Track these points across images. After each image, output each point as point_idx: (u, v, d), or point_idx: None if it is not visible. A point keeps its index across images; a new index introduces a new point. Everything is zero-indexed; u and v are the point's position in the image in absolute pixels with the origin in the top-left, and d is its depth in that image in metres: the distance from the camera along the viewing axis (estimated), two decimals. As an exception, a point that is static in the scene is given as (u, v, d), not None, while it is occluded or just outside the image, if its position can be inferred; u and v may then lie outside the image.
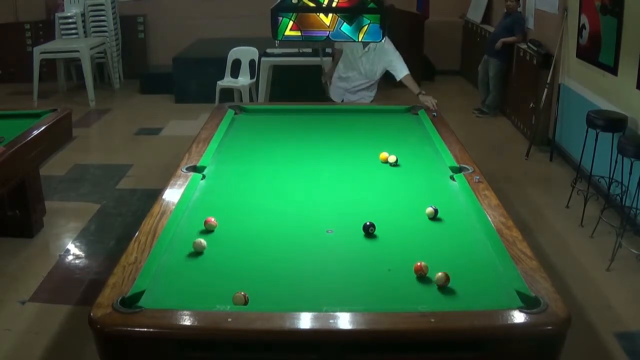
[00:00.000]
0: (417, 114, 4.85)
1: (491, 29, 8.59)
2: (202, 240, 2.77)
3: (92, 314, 2.20)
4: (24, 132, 4.31)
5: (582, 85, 5.74)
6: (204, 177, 3.59)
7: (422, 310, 2.25)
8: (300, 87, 7.79)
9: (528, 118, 6.84)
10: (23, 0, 9.66)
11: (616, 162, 4.52)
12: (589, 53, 5.56)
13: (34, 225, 4.67)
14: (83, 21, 9.19)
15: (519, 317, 2.20)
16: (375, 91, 5.60)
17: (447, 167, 3.69)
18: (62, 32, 9.12)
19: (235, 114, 4.88)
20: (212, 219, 2.93)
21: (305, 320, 2.20)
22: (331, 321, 2.20)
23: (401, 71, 5.29)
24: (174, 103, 8.50)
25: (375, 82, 5.49)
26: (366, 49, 5.22)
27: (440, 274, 2.47)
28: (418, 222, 3.04)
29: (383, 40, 4.80)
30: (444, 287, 2.46)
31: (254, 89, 7.82)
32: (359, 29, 7.48)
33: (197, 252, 2.73)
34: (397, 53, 5.34)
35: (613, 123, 4.71)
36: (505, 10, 7.71)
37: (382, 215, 3.04)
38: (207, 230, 2.90)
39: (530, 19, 7.39)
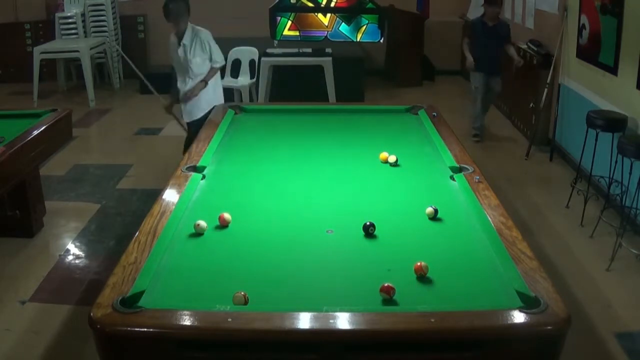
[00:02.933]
0: (417, 114, 4.85)
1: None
2: (203, 222, 2.89)
3: (92, 314, 2.20)
4: (24, 132, 4.31)
5: (582, 85, 5.74)
6: (204, 177, 3.59)
7: (422, 310, 2.25)
8: (300, 87, 7.80)
9: (528, 118, 6.84)
10: (23, 0, 9.66)
11: (616, 162, 4.52)
12: (589, 53, 5.56)
13: (34, 225, 4.67)
14: (83, 21, 9.18)
15: (519, 317, 2.20)
16: (220, 89, 5.52)
17: (447, 167, 3.69)
18: (62, 32, 9.11)
19: (235, 114, 4.88)
20: (226, 215, 3.00)
21: (305, 320, 2.20)
22: (331, 321, 2.20)
23: (215, 62, 5.30)
24: (174, 103, 8.48)
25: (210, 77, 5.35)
26: (183, 41, 5.17)
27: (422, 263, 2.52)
28: (418, 222, 3.04)
29: (200, 29, 5.17)
30: (424, 277, 2.50)
31: (254, 89, 7.82)
32: (357, 28, 7.53)
33: (198, 233, 2.88)
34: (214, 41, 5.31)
35: (613, 123, 4.71)
36: (490, 22, 6.73)
37: (382, 215, 3.04)
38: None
39: (530, 19, 7.38)
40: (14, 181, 4.23)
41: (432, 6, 9.49)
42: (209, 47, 5.17)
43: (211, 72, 5.28)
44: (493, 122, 7.76)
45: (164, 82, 8.72)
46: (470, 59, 6.74)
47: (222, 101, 5.44)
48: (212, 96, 5.31)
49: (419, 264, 2.53)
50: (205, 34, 5.18)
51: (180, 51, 5.11)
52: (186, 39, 5.08)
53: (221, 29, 9.53)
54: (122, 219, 5.00)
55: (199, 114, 5.22)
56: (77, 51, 8.41)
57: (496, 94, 7.03)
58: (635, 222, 4.51)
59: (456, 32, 10.00)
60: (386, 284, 2.38)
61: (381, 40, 7.57)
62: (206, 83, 5.23)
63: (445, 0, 9.70)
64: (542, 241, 4.54)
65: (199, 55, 5.13)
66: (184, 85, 5.23)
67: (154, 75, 9.26)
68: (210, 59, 5.24)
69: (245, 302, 2.31)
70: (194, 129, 5.03)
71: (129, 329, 2.17)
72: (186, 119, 5.40)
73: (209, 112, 5.04)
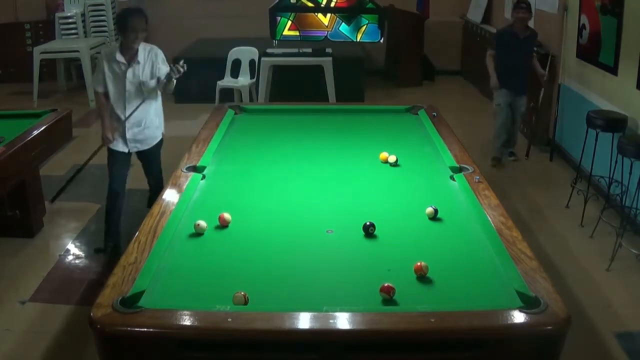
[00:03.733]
0: (417, 114, 4.85)
1: (492, 29, 8.58)
2: (203, 222, 2.90)
3: (92, 314, 2.21)
4: (24, 132, 4.31)
5: (582, 85, 5.74)
6: (204, 177, 3.59)
7: (422, 310, 2.25)
8: (300, 87, 7.79)
9: (528, 118, 6.83)
10: (23, 0, 9.65)
11: (616, 162, 4.51)
12: (589, 53, 5.56)
13: (34, 225, 4.67)
14: (83, 21, 9.18)
15: (519, 317, 2.21)
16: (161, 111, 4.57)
17: (447, 167, 3.69)
18: (62, 32, 9.11)
19: (235, 114, 4.88)
20: (226, 216, 3.00)
21: (305, 320, 2.20)
22: (331, 321, 2.20)
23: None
24: (174, 103, 8.48)
25: (157, 95, 4.43)
26: (138, 59, 4.20)
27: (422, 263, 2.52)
28: (418, 222, 3.05)
29: (153, 45, 4.28)
30: (424, 277, 2.51)
31: (254, 89, 7.81)
32: (357, 28, 7.54)
33: (198, 233, 2.90)
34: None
35: (613, 123, 4.71)
36: (521, 32, 5.88)
37: (382, 215, 3.04)
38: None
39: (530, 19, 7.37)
40: (14, 181, 4.23)
41: (432, 6, 9.49)
42: (159, 67, 4.27)
43: (169, 84, 4.33)
44: (493, 122, 7.75)
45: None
46: (494, 78, 5.93)
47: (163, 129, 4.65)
48: (160, 119, 4.55)
49: (419, 264, 2.53)
50: (160, 51, 4.34)
51: (129, 73, 4.17)
52: (140, 57, 4.19)
53: (221, 29, 9.60)
54: (122, 219, 4.99)
55: (156, 138, 4.50)
56: (77, 51, 8.41)
57: (522, 116, 6.24)
58: (635, 222, 4.51)
59: (456, 32, 10.01)
60: (386, 284, 2.39)
61: (381, 40, 7.57)
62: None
63: (445, 0, 9.70)
64: (542, 241, 4.54)
65: (151, 75, 4.25)
66: (126, 112, 4.24)
67: (154, 75, 9.29)
68: (157, 76, 4.29)
69: (245, 302, 2.31)
70: (150, 162, 4.55)
71: (129, 329, 2.17)
72: (140, 147, 4.42)
73: (161, 141, 4.55)
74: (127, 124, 4.26)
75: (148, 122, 4.36)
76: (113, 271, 2.50)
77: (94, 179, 5.87)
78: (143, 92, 4.23)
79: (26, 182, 4.51)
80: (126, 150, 4.36)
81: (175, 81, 4.26)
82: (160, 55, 4.30)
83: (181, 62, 4.15)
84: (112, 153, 4.38)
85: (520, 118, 6.22)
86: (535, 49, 6.13)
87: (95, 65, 4.20)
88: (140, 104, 4.23)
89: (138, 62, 4.18)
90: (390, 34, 9.06)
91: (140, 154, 4.49)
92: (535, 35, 6.01)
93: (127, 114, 4.22)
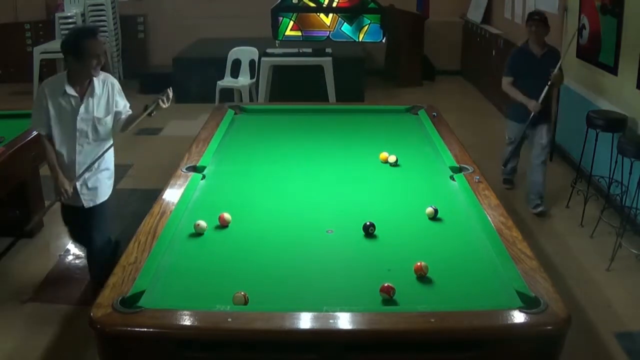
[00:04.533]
0: (417, 114, 4.85)
1: (492, 30, 8.58)
2: (203, 222, 2.90)
3: (92, 314, 2.21)
4: (24, 132, 4.31)
5: (582, 85, 5.73)
6: (204, 177, 3.59)
7: (422, 310, 2.25)
8: (300, 87, 7.79)
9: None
10: (23, 0, 9.66)
11: (616, 162, 4.51)
12: (589, 53, 5.56)
13: (34, 225, 4.66)
14: (83, 21, 9.18)
15: (519, 317, 2.21)
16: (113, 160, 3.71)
17: (447, 167, 3.70)
18: (62, 32, 9.10)
19: (235, 114, 4.88)
20: (226, 216, 3.00)
21: (306, 320, 2.21)
22: (331, 321, 2.21)
23: (125, 106, 3.69)
24: (174, 103, 8.46)
25: (109, 139, 3.59)
26: (96, 92, 3.46)
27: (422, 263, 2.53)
28: (418, 222, 3.05)
29: (108, 75, 3.57)
30: (424, 277, 2.51)
31: (254, 89, 7.82)
32: (359, 28, 7.54)
33: (198, 233, 2.89)
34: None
35: (613, 123, 4.70)
36: (538, 49, 4.97)
37: (382, 215, 3.04)
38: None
39: (530, 19, 7.38)
40: (14, 181, 4.23)
41: (432, 6, 9.50)
42: (116, 100, 3.58)
43: (130, 117, 3.68)
44: (493, 122, 7.76)
45: (164, 82, 8.80)
46: (532, 102, 4.88)
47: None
48: (112, 168, 3.72)
49: (418, 264, 2.53)
50: (116, 81, 3.64)
51: (82, 108, 3.41)
52: (97, 89, 3.45)
53: (221, 29, 9.60)
54: (122, 219, 5.00)
55: (106, 193, 3.67)
56: (77, 51, 8.41)
57: (545, 148, 5.06)
58: (635, 222, 4.51)
59: (456, 32, 10.01)
60: (386, 284, 2.39)
61: (383, 40, 7.57)
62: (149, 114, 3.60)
63: (445, 0, 9.71)
64: (542, 241, 4.54)
65: (107, 110, 3.51)
66: (76, 156, 3.46)
67: (154, 75, 9.29)
68: (116, 111, 3.60)
69: (245, 302, 2.31)
70: (98, 222, 3.63)
71: (129, 329, 2.18)
72: (95, 200, 3.60)
73: (107, 202, 3.69)
74: (79, 171, 3.46)
75: (102, 164, 3.56)
76: (113, 271, 2.50)
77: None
78: (98, 132, 3.47)
79: (26, 182, 4.50)
80: (81, 205, 3.54)
81: (141, 117, 3.60)
82: (117, 85, 3.59)
83: (169, 90, 3.59)
84: (65, 209, 3.64)
85: (543, 156, 5.06)
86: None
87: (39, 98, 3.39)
88: (94, 147, 3.48)
89: (94, 95, 3.43)
90: (390, 34, 9.05)
91: (92, 211, 3.59)
92: (555, 53, 5.02)
93: (79, 159, 3.44)
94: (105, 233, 3.70)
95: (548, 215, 5.04)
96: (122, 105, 3.60)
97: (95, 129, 3.46)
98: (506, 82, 5.09)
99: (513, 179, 5.63)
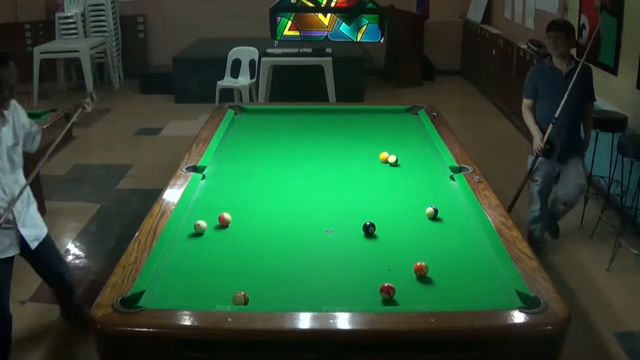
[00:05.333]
0: (417, 114, 4.85)
1: (492, 30, 8.58)
2: (203, 222, 2.90)
3: (92, 314, 2.21)
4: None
5: (582, 85, 5.73)
6: (204, 177, 3.59)
7: (422, 310, 2.25)
8: (300, 87, 7.79)
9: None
10: (23, 0, 9.65)
11: (616, 162, 4.51)
12: (588, 53, 5.55)
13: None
14: (83, 21, 9.18)
15: (519, 317, 2.21)
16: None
17: (447, 167, 3.70)
18: (62, 32, 9.11)
19: (235, 114, 4.88)
20: (226, 216, 3.00)
21: (305, 320, 2.21)
22: (331, 321, 2.21)
23: (31, 124, 3.23)
24: (174, 103, 8.49)
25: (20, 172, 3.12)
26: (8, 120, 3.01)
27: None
28: (418, 222, 3.05)
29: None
30: (424, 277, 2.51)
31: (254, 89, 7.82)
32: (357, 28, 7.54)
33: (198, 233, 2.89)
34: None
35: (613, 123, 4.70)
36: (563, 65, 4.11)
37: (382, 215, 3.04)
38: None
39: (530, 19, 7.38)
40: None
41: (432, 6, 9.50)
42: (21, 122, 3.11)
43: (39, 134, 3.29)
44: (493, 122, 7.76)
45: (164, 82, 8.81)
46: (538, 135, 4.10)
47: None
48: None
49: (418, 264, 2.53)
50: (17, 102, 3.10)
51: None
52: (8, 116, 3.00)
53: (221, 29, 9.60)
54: (122, 219, 5.00)
55: (43, 225, 3.32)
56: (77, 51, 8.42)
57: (576, 190, 4.20)
58: (635, 222, 4.51)
59: (456, 32, 10.01)
60: (386, 284, 2.39)
61: (381, 40, 7.57)
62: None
63: (445, 0, 9.70)
64: (542, 241, 4.54)
65: (15, 136, 3.05)
66: (6, 197, 2.97)
67: (154, 75, 9.30)
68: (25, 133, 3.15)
69: (245, 302, 2.32)
70: (53, 251, 3.40)
71: (129, 329, 2.18)
72: (39, 237, 3.23)
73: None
74: (16, 212, 3.03)
75: (27, 197, 3.15)
76: (113, 271, 2.50)
77: (94, 179, 5.88)
78: (14, 161, 3.02)
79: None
80: (17, 252, 3.09)
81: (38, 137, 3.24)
82: (18, 106, 3.11)
83: (93, 92, 3.36)
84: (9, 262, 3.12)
85: (575, 197, 4.21)
86: (591, 89, 4.22)
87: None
88: (14, 177, 3.03)
89: (5, 124, 2.98)
90: (390, 34, 9.06)
91: (37, 255, 3.21)
92: (586, 70, 4.14)
93: (7, 197, 2.97)
94: (59, 257, 3.49)
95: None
96: (29, 123, 3.18)
97: (10, 159, 3.01)
98: (524, 104, 4.24)
99: (543, 241, 4.38)
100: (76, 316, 3.52)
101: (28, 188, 3.10)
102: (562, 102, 3.96)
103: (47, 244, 3.28)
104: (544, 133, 4.09)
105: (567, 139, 4.11)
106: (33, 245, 3.14)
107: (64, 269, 3.50)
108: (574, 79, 3.99)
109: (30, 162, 3.20)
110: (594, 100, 4.28)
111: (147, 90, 9.02)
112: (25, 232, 3.10)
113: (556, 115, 4.00)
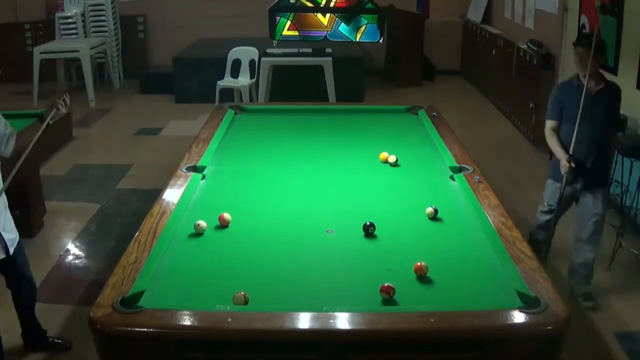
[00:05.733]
0: (417, 114, 4.85)
1: (492, 30, 8.58)
2: (203, 222, 2.89)
3: (92, 314, 2.21)
4: (24, 132, 4.30)
5: (582, 85, 5.73)
6: (204, 177, 3.59)
7: (422, 310, 2.25)
8: (300, 87, 7.79)
9: (528, 118, 6.83)
10: (23, 0, 9.65)
11: (616, 162, 4.51)
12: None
13: (34, 225, 4.67)
14: (83, 21, 9.18)
15: (519, 317, 2.21)
16: None
17: (447, 167, 3.70)
18: (62, 32, 9.11)
19: (235, 114, 4.88)
20: (226, 216, 2.99)
21: (305, 320, 2.21)
22: (331, 321, 2.21)
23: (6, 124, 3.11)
24: (174, 103, 8.49)
25: None
26: None
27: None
28: (418, 222, 3.05)
29: None
30: (424, 277, 2.51)
31: (254, 89, 7.82)
32: (356, 28, 7.54)
33: (198, 233, 2.89)
34: None
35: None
36: (593, 84, 3.64)
37: (382, 215, 3.04)
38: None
39: (530, 19, 7.38)
40: (14, 181, 4.21)
41: (432, 6, 9.50)
42: None
43: (25, 134, 3.26)
44: (493, 122, 7.76)
45: (164, 82, 8.81)
46: (563, 158, 3.61)
47: None
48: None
49: (419, 264, 2.53)
50: None
51: None
52: None
53: (221, 29, 9.60)
54: (122, 219, 5.00)
55: (17, 233, 3.22)
56: (77, 51, 8.42)
57: (597, 217, 3.76)
58: (635, 222, 4.51)
59: (456, 32, 10.01)
60: (386, 284, 2.39)
61: (380, 41, 7.57)
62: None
63: (445, 0, 9.70)
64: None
65: None
66: None
67: (154, 75, 9.30)
68: None
69: (245, 302, 2.32)
70: (25, 260, 3.25)
71: (129, 329, 2.18)
72: (11, 250, 3.08)
73: None
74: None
75: (6, 200, 3.14)
76: (113, 271, 2.50)
77: (94, 179, 5.88)
78: None
79: (26, 182, 4.50)
80: (4, 256, 3.04)
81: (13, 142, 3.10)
82: None
83: (65, 94, 3.31)
84: None
85: (593, 225, 3.77)
86: (617, 113, 3.88)
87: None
88: None
89: None
90: (390, 34, 9.06)
91: (14, 261, 3.12)
92: (615, 91, 3.76)
93: None
94: (28, 269, 3.29)
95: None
96: (3, 125, 3.08)
97: None
98: (547, 127, 3.78)
99: (546, 252, 4.00)
100: (35, 332, 3.35)
101: (3, 195, 3.01)
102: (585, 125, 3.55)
103: (21, 247, 3.20)
104: (557, 162, 3.70)
105: (589, 161, 3.65)
106: (11, 249, 3.07)
107: (31, 289, 3.33)
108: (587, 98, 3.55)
109: (10, 163, 3.12)
110: (616, 128, 3.83)
111: (147, 90, 9.02)
112: (7, 237, 3.06)
113: (576, 139, 3.56)
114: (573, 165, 3.56)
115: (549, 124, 3.78)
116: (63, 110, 3.23)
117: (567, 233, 4.69)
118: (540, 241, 3.99)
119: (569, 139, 3.60)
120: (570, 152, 3.59)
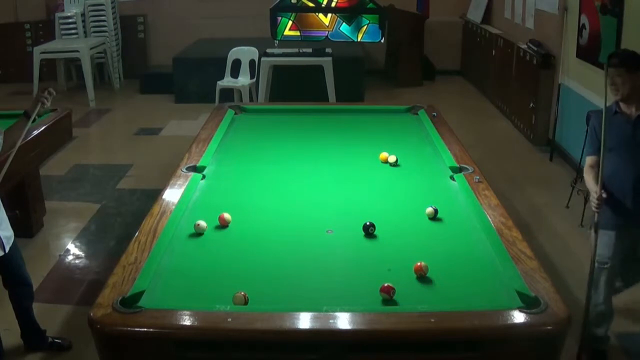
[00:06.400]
0: (417, 114, 4.85)
1: (492, 30, 8.58)
2: (203, 222, 2.89)
3: (92, 314, 2.21)
4: (24, 132, 4.30)
5: (582, 85, 5.73)
6: (204, 177, 3.59)
7: (422, 311, 2.25)
8: (300, 87, 7.79)
9: (528, 118, 6.84)
10: (23, 0, 9.66)
11: (616, 162, 4.50)
12: (589, 53, 5.56)
13: (34, 225, 4.67)
14: (83, 21, 9.18)
15: (519, 317, 2.21)
16: None
17: (447, 167, 3.69)
18: (62, 32, 9.11)
19: (235, 114, 4.88)
20: (226, 216, 2.99)
21: (306, 320, 2.20)
22: (331, 321, 2.21)
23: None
24: (174, 103, 8.50)
25: None
26: None
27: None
28: (418, 222, 3.04)
29: None
30: (424, 277, 2.50)
31: (254, 89, 7.82)
32: (357, 28, 7.54)
33: (198, 233, 2.88)
34: None
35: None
36: (622, 106, 3.13)
37: (382, 215, 3.04)
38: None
39: (530, 19, 7.38)
40: (14, 181, 4.22)
41: (432, 6, 9.50)
42: None
43: (12, 131, 3.22)
44: (493, 122, 7.76)
45: (164, 82, 8.81)
46: (593, 189, 3.11)
47: None
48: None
49: (419, 264, 2.53)
50: None
51: None
52: None
53: (221, 29, 9.61)
54: (122, 219, 5.00)
55: (12, 231, 3.23)
56: (77, 51, 8.42)
57: None
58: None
59: (456, 32, 10.01)
60: (386, 284, 2.39)
61: (382, 41, 7.57)
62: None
63: (445, 0, 9.70)
64: (542, 241, 4.54)
65: None
66: None
67: (154, 75, 9.30)
68: None
69: (245, 302, 2.32)
70: (20, 257, 3.26)
71: (129, 329, 2.17)
72: (7, 248, 3.09)
73: None
74: None
75: None
76: (113, 271, 2.50)
77: (94, 179, 5.88)
78: None
79: (26, 182, 4.50)
80: (3, 253, 3.08)
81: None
82: None
83: (50, 88, 3.23)
84: None
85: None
86: None
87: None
88: None
89: None
90: (390, 34, 9.06)
91: (9, 259, 3.14)
92: None
93: None
94: (24, 267, 3.30)
95: (548, 215, 5.04)
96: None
97: None
98: (587, 164, 3.25)
99: (606, 344, 3.33)
100: (36, 334, 3.36)
101: None
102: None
103: (15, 246, 3.21)
104: (613, 195, 3.11)
105: (637, 195, 3.10)
106: (7, 247, 3.09)
107: (27, 273, 3.33)
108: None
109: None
110: None
111: (147, 90, 9.02)
112: (3, 234, 3.07)
113: (613, 173, 3.10)
114: (604, 194, 3.03)
115: (589, 160, 3.23)
116: (48, 104, 3.20)
117: (564, 232, 4.67)
118: (602, 338, 3.29)
119: (609, 174, 3.09)
120: (600, 183, 3.04)
